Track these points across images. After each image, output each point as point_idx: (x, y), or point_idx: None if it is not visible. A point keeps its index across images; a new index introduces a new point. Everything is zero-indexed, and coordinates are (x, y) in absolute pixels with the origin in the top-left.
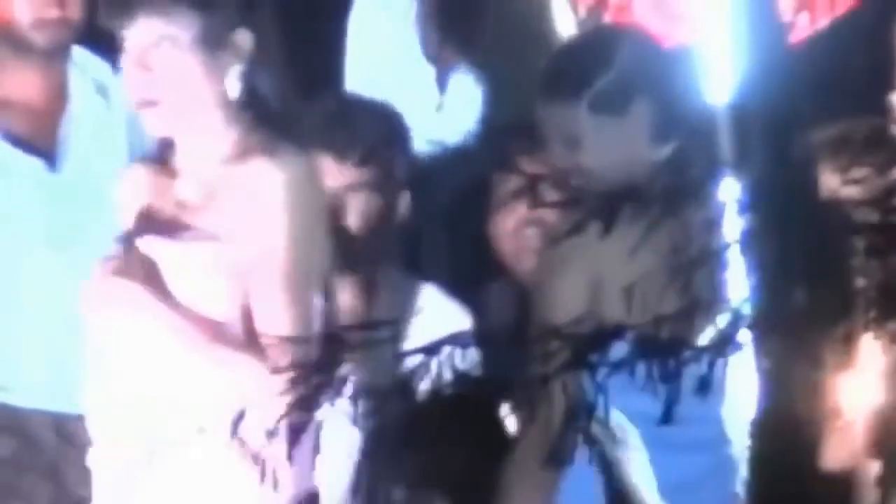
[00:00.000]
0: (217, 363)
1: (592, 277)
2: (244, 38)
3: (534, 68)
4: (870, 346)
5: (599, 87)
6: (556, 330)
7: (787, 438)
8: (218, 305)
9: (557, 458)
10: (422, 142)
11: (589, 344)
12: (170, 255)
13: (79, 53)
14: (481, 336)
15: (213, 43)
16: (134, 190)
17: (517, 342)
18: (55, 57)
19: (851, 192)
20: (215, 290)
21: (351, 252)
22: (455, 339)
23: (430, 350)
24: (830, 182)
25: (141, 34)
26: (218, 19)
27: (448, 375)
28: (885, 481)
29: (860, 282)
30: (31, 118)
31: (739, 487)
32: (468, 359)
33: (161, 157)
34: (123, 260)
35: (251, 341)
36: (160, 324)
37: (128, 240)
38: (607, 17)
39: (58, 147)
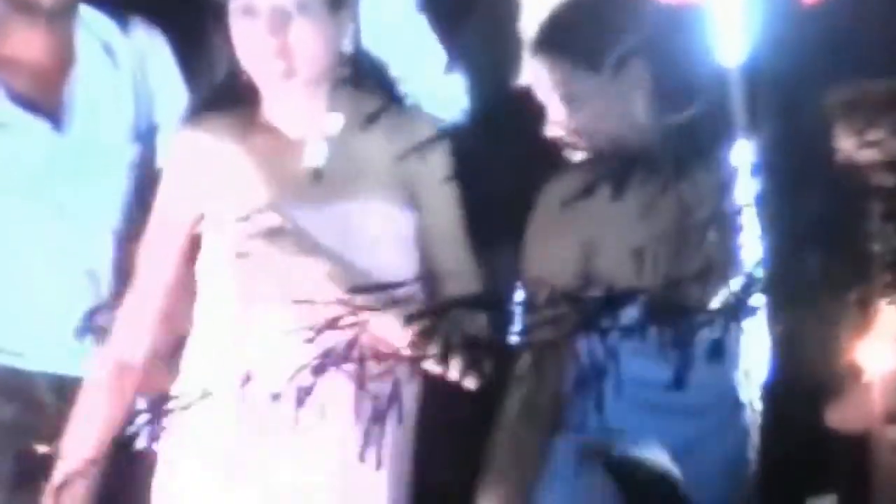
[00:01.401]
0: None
1: (586, 240)
2: None
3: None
4: (885, 311)
5: (604, 48)
6: (567, 294)
7: (799, 402)
8: (394, 268)
9: (564, 423)
10: (432, 105)
11: (600, 308)
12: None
13: (86, 12)
14: (491, 299)
15: (336, 4)
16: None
17: (527, 306)
18: (62, 16)
19: (868, 154)
20: (394, 253)
21: None
22: (463, 302)
23: (439, 312)
24: (846, 145)
25: (274, 2)
26: None
27: (456, 338)
28: None
29: (876, 246)
30: (37, 78)
31: (749, 451)
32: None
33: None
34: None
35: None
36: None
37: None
38: None
39: (63, 108)
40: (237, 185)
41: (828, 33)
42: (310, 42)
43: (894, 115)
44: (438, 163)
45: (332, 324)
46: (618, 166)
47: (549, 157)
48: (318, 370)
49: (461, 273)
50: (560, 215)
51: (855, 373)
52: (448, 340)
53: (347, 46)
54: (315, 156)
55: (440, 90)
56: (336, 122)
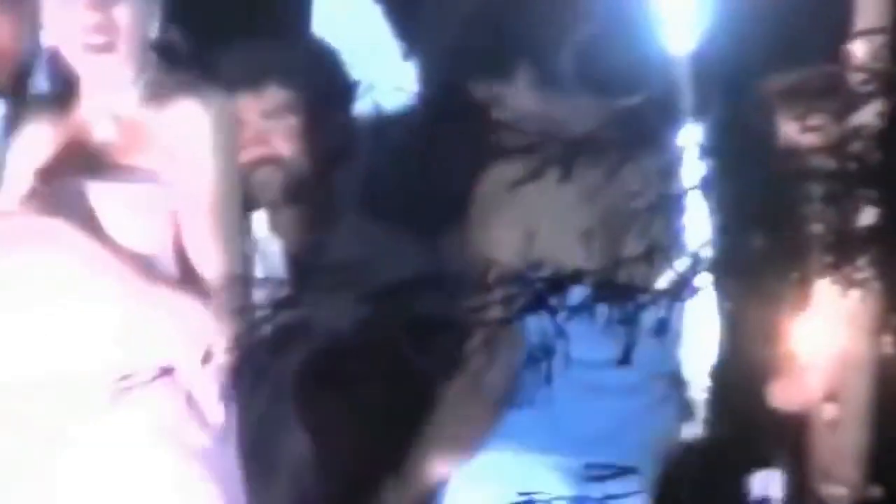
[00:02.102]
0: (154, 302)
1: (530, 223)
2: None
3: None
4: (826, 291)
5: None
6: (516, 274)
7: (744, 380)
8: (151, 244)
9: (513, 399)
10: (389, 90)
11: (549, 288)
12: (97, 195)
13: None
14: (440, 280)
15: None
16: (39, 138)
17: (476, 286)
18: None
19: (809, 139)
20: (148, 228)
21: (293, 185)
22: (413, 283)
23: (388, 293)
24: (788, 129)
25: None
26: None
27: (404, 318)
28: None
29: (816, 227)
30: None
31: (686, 427)
32: (426, 302)
33: (60, 101)
34: (40, 197)
35: (187, 280)
36: (88, 262)
37: (46, 176)
38: None
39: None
40: (30, 163)
41: (771, 21)
42: (128, 19)
43: (834, 100)
44: (200, 141)
45: None
46: (563, 150)
47: (495, 140)
48: None
49: (209, 250)
50: (505, 198)
51: (795, 352)
52: (398, 321)
53: (155, 29)
54: (102, 132)
55: (394, 77)
56: (129, 101)
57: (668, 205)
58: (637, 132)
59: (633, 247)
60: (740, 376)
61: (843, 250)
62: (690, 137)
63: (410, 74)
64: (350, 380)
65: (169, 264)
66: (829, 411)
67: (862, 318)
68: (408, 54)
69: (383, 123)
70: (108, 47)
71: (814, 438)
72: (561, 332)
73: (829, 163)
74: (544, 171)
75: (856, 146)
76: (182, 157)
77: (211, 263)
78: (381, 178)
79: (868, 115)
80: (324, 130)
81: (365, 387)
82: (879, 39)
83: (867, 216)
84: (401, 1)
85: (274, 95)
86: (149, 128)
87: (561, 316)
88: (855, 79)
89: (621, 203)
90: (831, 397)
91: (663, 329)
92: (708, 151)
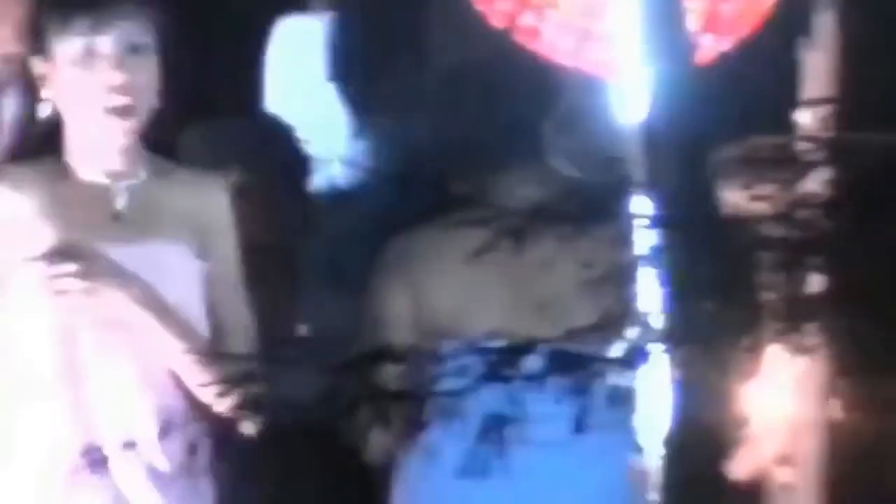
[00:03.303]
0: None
1: (481, 293)
2: None
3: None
4: (777, 357)
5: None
6: (470, 345)
7: (698, 447)
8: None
9: (472, 469)
10: (344, 165)
11: (503, 358)
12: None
13: None
14: (392, 351)
15: (161, 48)
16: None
17: (428, 357)
18: None
19: (758, 207)
20: (177, 292)
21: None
22: (369, 355)
23: (343, 366)
24: (738, 198)
25: (120, 39)
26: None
27: (361, 389)
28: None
29: (766, 295)
30: None
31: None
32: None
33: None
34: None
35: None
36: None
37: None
38: (517, 38)
39: None
40: (37, 232)
41: (720, 92)
42: (147, 82)
43: (783, 170)
44: (224, 216)
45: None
46: (518, 221)
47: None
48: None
49: (240, 326)
50: (402, 268)
51: (748, 418)
52: (357, 393)
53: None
54: (118, 200)
55: (345, 152)
56: (140, 169)
57: (620, 274)
58: (589, 203)
59: (585, 316)
60: (694, 443)
61: (792, 317)
62: (641, 207)
63: (364, 150)
64: (289, 469)
65: (203, 327)
66: (782, 475)
67: (812, 383)
68: (360, 131)
69: (341, 198)
70: (128, 111)
71: (769, 503)
72: (515, 402)
73: (777, 231)
74: (498, 242)
75: (804, 214)
76: (211, 228)
77: (237, 326)
78: (341, 250)
79: (815, 183)
80: (281, 206)
81: (303, 477)
82: (826, 108)
83: (815, 283)
84: (356, 80)
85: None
86: (163, 201)
87: (515, 386)
88: (802, 147)
89: (574, 273)
90: (785, 461)
91: (616, 398)
92: (659, 221)
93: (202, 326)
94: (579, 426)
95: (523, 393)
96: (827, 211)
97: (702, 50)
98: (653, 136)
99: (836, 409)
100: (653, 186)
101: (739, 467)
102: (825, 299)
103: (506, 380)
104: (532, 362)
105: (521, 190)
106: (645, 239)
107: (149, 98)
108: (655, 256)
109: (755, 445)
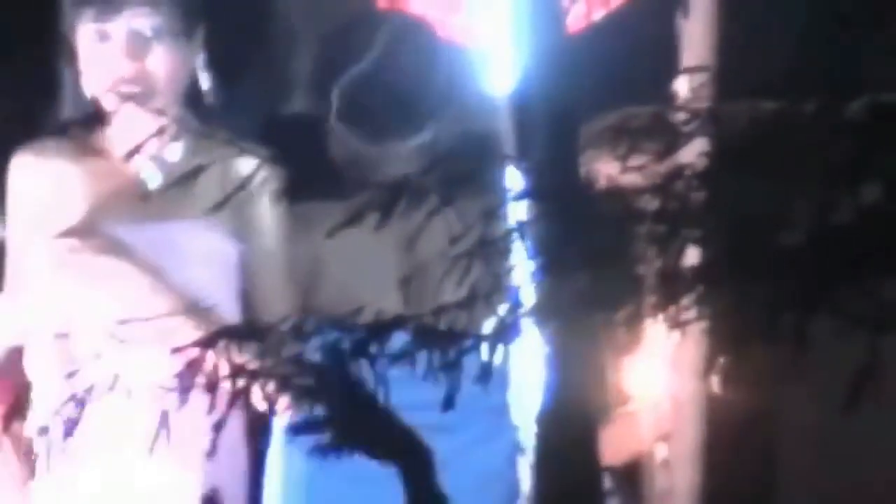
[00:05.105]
0: None
1: (348, 268)
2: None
3: None
4: (653, 332)
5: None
6: (336, 320)
7: (572, 424)
8: (210, 292)
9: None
10: None
11: (369, 335)
12: (152, 241)
13: None
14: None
15: (188, 33)
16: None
17: (294, 334)
18: None
19: (631, 179)
20: (205, 276)
21: None
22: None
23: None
24: (611, 170)
25: (127, 26)
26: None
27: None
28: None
29: (641, 268)
30: None
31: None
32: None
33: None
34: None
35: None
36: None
37: (95, 220)
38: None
39: None
40: (66, 204)
41: (594, 61)
42: (165, 68)
43: (657, 140)
44: (267, 200)
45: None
46: (383, 194)
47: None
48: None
49: (281, 307)
50: (328, 243)
51: (625, 394)
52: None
53: (193, 76)
54: (151, 180)
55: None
56: (175, 150)
57: (489, 248)
58: (458, 174)
59: (454, 292)
60: (568, 420)
61: (668, 291)
62: (512, 179)
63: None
64: None
65: (230, 313)
66: (660, 451)
67: (689, 358)
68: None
69: None
70: (143, 98)
71: (646, 478)
72: (381, 379)
73: (652, 203)
74: (363, 216)
75: (679, 186)
76: (250, 209)
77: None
78: None
79: (691, 154)
80: None
81: None
82: (702, 78)
83: (691, 256)
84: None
85: None
86: (200, 179)
87: (381, 363)
88: (678, 118)
89: (442, 247)
90: (663, 438)
91: (486, 374)
92: (530, 193)
93: (229, 310)
94: (448, 404)
95: (393, 375)
96: (702, 182)
97: (572, 18)
98: (523, 107)
99: (714, 385)
100: (523, 158)
101: (616, 444)
102: (701, 272)
103: (371, 358)
104: (399, 340)
105: (387, 163)
106: (516, 212)
107: (172, 82)
108: (526, 229)
109: (633, 421)
